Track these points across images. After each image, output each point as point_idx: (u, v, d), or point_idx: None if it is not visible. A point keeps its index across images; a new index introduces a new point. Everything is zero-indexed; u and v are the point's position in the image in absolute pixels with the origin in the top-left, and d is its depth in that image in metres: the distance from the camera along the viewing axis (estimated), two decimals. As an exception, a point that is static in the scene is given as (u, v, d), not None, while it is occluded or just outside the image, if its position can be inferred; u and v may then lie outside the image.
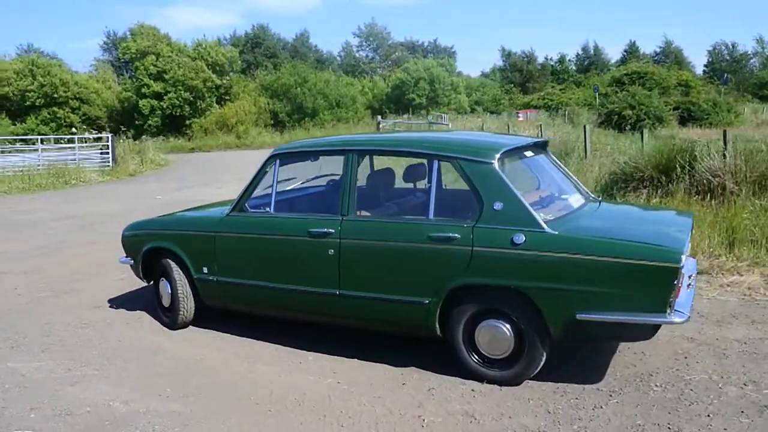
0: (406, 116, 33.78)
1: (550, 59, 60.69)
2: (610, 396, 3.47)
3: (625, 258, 3.27)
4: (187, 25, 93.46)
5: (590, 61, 60.67)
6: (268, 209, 4.43)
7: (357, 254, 3.99)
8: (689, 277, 3.90)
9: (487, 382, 3.71)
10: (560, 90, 49.02)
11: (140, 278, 5.33)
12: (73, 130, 26.41)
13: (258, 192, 4.55)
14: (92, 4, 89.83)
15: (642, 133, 9.97)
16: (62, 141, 23.50)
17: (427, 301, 3.74)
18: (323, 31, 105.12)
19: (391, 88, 45.91)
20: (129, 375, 4.21)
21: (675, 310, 3.30)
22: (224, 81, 39.13)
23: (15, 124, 35.69)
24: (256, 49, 52.69)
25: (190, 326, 5.04)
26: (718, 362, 3.86)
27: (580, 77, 55.30)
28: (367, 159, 4.54)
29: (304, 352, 4.44)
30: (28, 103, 35.57)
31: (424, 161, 4.07)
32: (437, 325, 3.78)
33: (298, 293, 4.25)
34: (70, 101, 36.92)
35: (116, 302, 5.85)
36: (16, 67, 36.20)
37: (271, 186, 4.44)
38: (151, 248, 5.01)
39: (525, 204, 3.54)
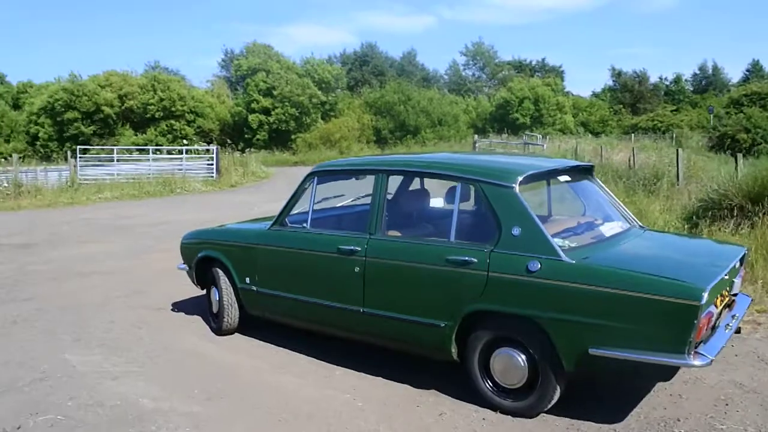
0: (504, 136, 33.29)
1: (665, 79, 57.85)
2: (621, 439, 3.26)
3: (640, 292, 3.07)
4: (304, 42, 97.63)
5: (708, 82, 57.15)
6: (305, 225, 4.54)
7: (381, 273, 4.00)
8: (733, 317, 3.61)
9: (500, 412, 3.59)
10: (671, 111, 46.40)
11: (194, 284, 5.61)
12: (184, 141, 28.24)
13: (299, 209, 4.67)
14: (217, 23, 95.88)
15: (737, 158, 9.27)
16: (174, 152, 25.20)
17: (443, 325, 3.68)
18: (431, 50, 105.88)
19: (495, 107, 45.48)
20: (165, 374, 4.44)
21: (697, 352, 3.05)
22: (329, 97, 40.40)
23: (137, 135, 38.58)
24: (364, 66, 53.94)
25: (238, 333, 5.23)
26: (763, 414, 3.50)
27: (696, 98, 52.19)
28: (403, 179, 4.53)
29: (334, 366, 4.49)
30: (148, 115, 38.38)
31: (455, 183, 4.01)
32: (452, 350, 3.71)
33: (327, 308, 4.32)
34: (186, 114, 39.40)
35: (177, 306, 6.19)
36: (140, 83, 39.21)
37: (309, 203, 4.56)
38: (203, 257, 5.27)
39: (543, 230, 3.42)
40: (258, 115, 39.02)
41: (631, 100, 53.55)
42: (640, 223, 4.42)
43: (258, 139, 39.34)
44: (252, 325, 5.20)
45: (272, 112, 38.67)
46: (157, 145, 34.01)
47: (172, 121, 39.11)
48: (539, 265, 3.34)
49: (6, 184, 17.55)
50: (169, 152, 25.52)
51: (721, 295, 3.51)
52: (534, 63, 58.96)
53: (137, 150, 25.73)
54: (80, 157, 20.58)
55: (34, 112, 37.76)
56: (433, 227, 4.14)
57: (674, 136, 30.68)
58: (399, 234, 4.13)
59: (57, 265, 8.51)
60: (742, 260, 3.99)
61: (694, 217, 8.51)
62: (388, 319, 3.97)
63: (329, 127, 37.85)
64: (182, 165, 22.41)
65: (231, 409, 3.84)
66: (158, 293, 6.72)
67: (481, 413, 3.62)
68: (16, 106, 41.94)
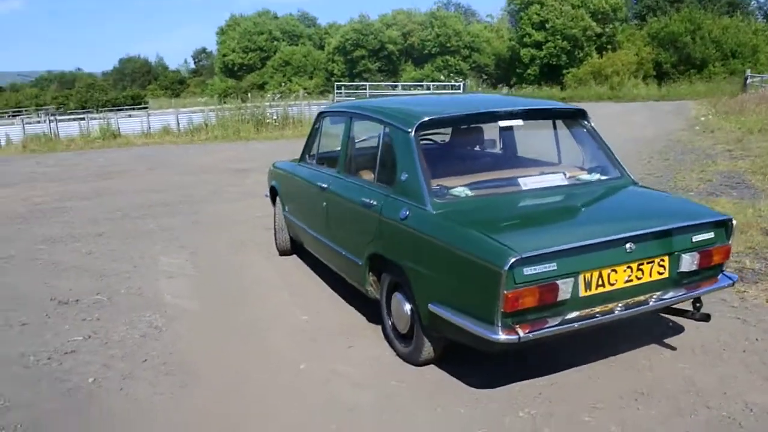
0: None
1: None
2: (466, 405, 3.08)
3: (460, 249, 2.86)
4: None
5: None
6: (313, 162, 4.92)
7: (333, 209, 4.25)
8: (660, 299, 3.07)
9: (397, 355, 3.65)
10: None
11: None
12: (441, 77, 29.28)
13: (317, 146, 5.01)
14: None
15: None
16: (430, 87, 26.45)
17: (360, 263, 3.82)
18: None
19: (819, 34, 37.05)
20: (208, 280, 5.35)
21: (511, 327, 2.74)
22: (606, 29, 37.42)
23: (416, 70, 41.03)
24: (660, -8, 48.24)
25: (296, 256, 5.84)
26: (653, 418, 2.91)
27: None
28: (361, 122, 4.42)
29: (333, 294, 4.83)
30: (426, 51, 40.37)
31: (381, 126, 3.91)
32: (368, 288, 3.83)
33: (314, 238, 4.71)
34: (461, 50, 40.44)
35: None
36: (420, 20, 41.25)
37: (317, 141, 4.90)
38: (272, 186, 5.98)
39: (420, 178, 3.29)
40: (529, 50, 38.10)
41: None
42: (633, 178, 3.80)
43: (529, 74, 38.57)
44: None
45: (543, 46, 37.40)
46: (433, 80, 35.88)
47: (448, 57, 40.54)
48: (407, 213, 3.28)
49: (276, 117, 20.66)
50: (419, 87, 26.86)
51: (632, 269, 2.99)
52: None
53: (390, 86, 27.63)
54: (337, 92, 22.99)
55: (331, 51, 42.60)
56: (372, 169, 4.16)
57: None
58: (356, 174, 4.23)
59: (246, 188, 10.10)
60: (722, 231, 3.26)
61: None
62: (337, 253, 4.21)
63: (602, 62, 35.18)
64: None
65: (216, 312, 4.56)
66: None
67: (379, 352, 3.72)
68: (321, 47, 47.66)
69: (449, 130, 4.61)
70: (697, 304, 3.39)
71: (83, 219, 8.19)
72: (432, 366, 3.49)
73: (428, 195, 3.24)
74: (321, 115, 4.94)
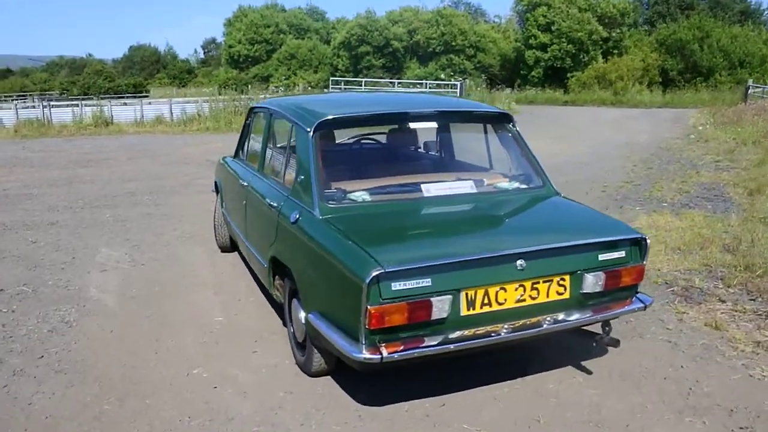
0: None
1: None
2: (345, 423, 2.92)
3: (332, 257, 2.71)
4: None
5: None
6: (243, 158, 4.77)
7: (249, 207, 4.10)
8: (557, 321, 2.89)
9: (296, 363, 3.50)
10: None
11: (221, 204, 6.23)
12: (442, 76, 29.03)
13: (249, 142, 4.86)
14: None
15: None
16: (429, 86, 26.24)
17: (266, 265, 3.67)
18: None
19: (832, 46, 36.43)
20: (137, 275, 5.19)
21: (377, 346, 2.56)
22: (613, 34, 37.01)
23: (420, 68, 40.74)
24: (670, -1, 47.73)
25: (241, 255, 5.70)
26: None
27: None
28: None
29: (257, 295, 4.67)
30: (431, 49, 40.06)
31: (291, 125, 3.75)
32: (273, 292, 3.69)
33: (237, 235, 4.56)
34: (466, 49, 40.09)
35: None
36: (426, 18, 40.92)
37: (247, 137, 4.75)
38: (215, 182, 5.83)
39: (313, 180, 3.13)
40: (534, 52, 37.74)
41: None
42: (556, 189, 3.62)
43: (533, 76, 38.22)
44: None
45: (548, 49, 37.03)
46: (436, 78, 35.63)
47: (452, 56, 40.19)
48: (298, 216, 3.12)
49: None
50: (418, 85, 26.66)
51: (525, 288, 2.80)
52: None
53: (390, 83, 27.44)
54: (334, 88, 22.90)
55: (336, 46, 42.36)
56: (283, 169, 4.01)
57: None
58: (271, 173, 4.06)
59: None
60: (637, 250, 3.08)
61: None
62: (252, 253, 4.07)
63: (606, 67, 34.80)
64: (423, 99, 23.31)
65: (134, 308, 4.43)
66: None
67: (279, 360, 3.57)
68: (328, 41, 47.39)
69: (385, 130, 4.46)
70: (606, 328, 3.21)
71: (44, 207, 8.08)
72: (328, 378, 3.34)
73: (318, 198, 3.08)
74: (251, 111, 4.78)
